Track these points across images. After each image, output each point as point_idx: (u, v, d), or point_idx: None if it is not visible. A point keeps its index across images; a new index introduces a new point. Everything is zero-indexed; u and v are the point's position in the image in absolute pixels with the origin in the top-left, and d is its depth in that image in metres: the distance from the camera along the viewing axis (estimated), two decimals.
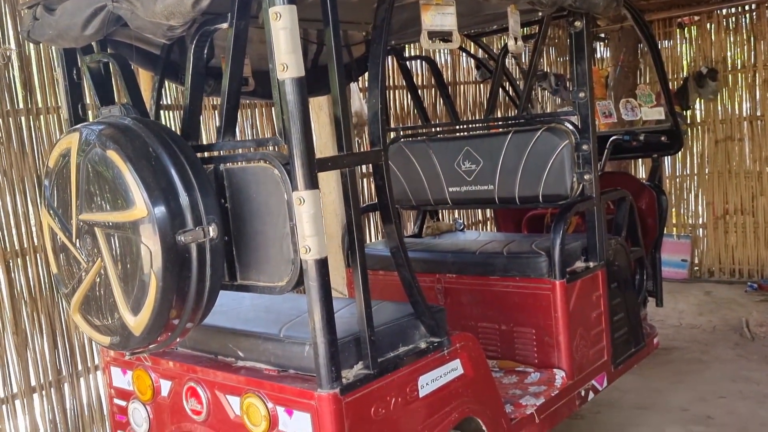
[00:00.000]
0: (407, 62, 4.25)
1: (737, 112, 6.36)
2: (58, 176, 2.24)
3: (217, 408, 2.36)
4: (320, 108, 4.24)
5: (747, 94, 6.30)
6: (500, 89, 3.97)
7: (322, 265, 1.97)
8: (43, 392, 3.42)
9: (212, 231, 2.04)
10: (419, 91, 4.66)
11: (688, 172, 6.69)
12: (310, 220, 1.94)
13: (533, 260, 3.08)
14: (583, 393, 3.14)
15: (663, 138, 4.16)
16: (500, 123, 3.75)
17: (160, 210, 1.96)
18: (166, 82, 2.93)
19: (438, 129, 4.13)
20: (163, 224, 1.96)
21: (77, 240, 2.21)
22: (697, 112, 6.59)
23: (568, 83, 6.61)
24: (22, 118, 3.38)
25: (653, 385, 4.23)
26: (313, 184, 1.95)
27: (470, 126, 3.93)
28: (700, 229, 6.71)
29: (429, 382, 2.33)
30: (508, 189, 3.46)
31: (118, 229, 2.03)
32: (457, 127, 3.87)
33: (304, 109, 1.93)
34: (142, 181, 1.97)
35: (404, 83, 4.47)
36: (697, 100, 6.48)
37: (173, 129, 2.31)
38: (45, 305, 3.42)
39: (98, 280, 2.17)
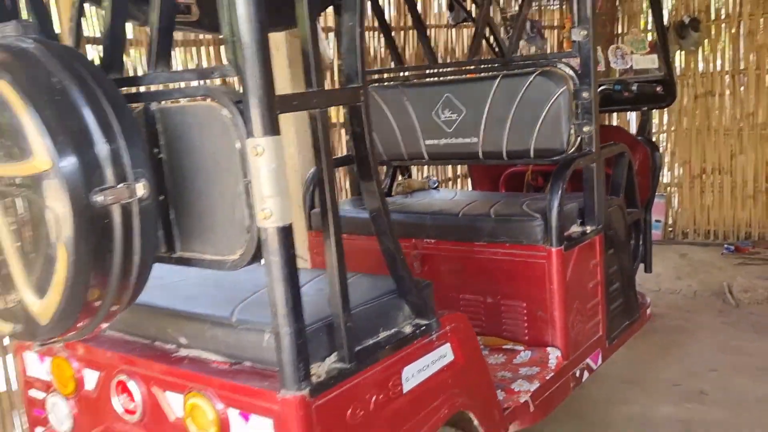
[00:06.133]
0: None
1: (719, 65, 6.04)
2: None
3: (154, 407, 1.91)
4: (277, 48, 3.72)
5: (730, 46, 5.97)
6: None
7: (286, 234, 1.52)
8: None
9: (141, 189, 1.56)
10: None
11: (665, 128, 6.38)
12: (270, 175, 1.48)
13: (526, 224, 2.68)
14: (578, 373, 2.79)
15: (658, 89, 3.79)
16: (486, 66, 3.29)
17: (70, 161, 1.46)
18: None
19: (414, 73, 3.66)
20: (73, 180, 1.46)
21: None
22: (677, 65, 6.24)
23: (543, 30, 6.20)
24: None
25: (639, 357, 3.92)
26: (273, 128, 1.50)
27: (450, 70, 3.46)
28: (675, 189, 6.44)
29: (414, 374, 1.92)
30: (495, 142, 3.03)
31: (11, 186, 1.53)
32: (436, 71, 3.40)
33: (262, 29, 1.45)
34: (45, 123, 1.46)
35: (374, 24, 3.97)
36: (678, 51, 6.12)
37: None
38: None
39: None
